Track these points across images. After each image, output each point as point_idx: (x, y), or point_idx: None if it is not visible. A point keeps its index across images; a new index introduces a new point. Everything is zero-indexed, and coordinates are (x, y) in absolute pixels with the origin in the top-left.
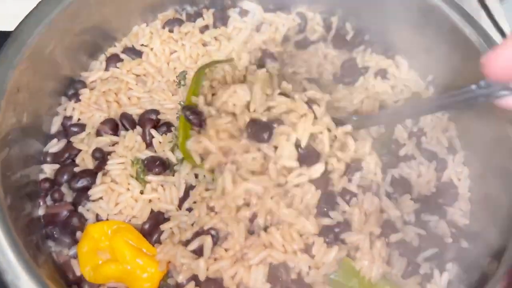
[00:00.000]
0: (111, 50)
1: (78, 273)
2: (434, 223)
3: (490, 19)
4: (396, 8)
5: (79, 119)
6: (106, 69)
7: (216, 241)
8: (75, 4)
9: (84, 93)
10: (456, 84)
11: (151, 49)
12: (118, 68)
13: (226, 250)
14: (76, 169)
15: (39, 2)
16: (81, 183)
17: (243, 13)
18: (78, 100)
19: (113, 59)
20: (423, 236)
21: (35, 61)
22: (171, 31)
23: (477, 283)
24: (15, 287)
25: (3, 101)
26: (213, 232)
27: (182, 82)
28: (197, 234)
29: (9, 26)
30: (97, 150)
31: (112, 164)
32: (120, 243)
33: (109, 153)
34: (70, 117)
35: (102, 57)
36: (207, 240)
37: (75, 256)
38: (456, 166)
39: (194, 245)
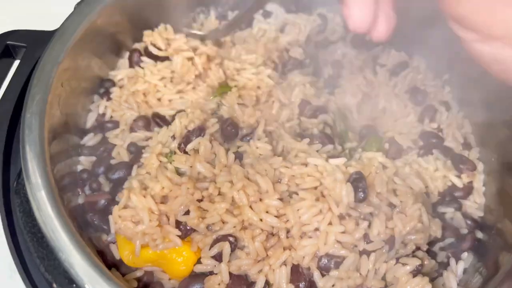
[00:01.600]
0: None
1: (117, 257)
2: (450, 214)
3: None
4: (413, 7)
5: (111, 117)
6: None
7: (234, 248)
8: (112, 5)
9: (115, 91)
10: (470, 82)
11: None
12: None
13: (246, 254)
14: (112, 162)
15: (79, 3)
16: (118, 174)
17: (266, 14)
18: (109, 98)
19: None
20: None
21: (75, 59)
22: None
23: (491, 272)
24: (68, 264)
25: (50, 95)
26: (231, 238)
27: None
28: (216, 240)
29: (50, 26)
30: (132, 144)
31: (147, 158)
32: None
33: (143, 147)
34: (103, 115)
35: (127, 55)
36: (225, 247)
37: (114, 241)
38: None
39: (213, 251)
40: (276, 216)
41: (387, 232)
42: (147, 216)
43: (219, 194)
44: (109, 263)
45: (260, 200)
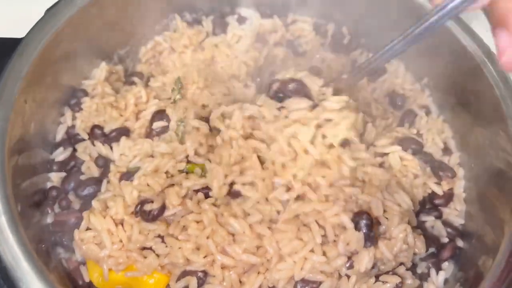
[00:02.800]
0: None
1: (87, 279)
2: (430, 223)
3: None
4: (392, 12)
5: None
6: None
7: (202, 283)
8: (79, 14)
9: (86, 101)
10: (450, 86)
11: None
12: None
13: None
14: (82, 177)
15: (46, 12)
16: (87, 190)
17: (241, 20)
18: (80, 109)
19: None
20: None
21: (41, 71)
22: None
23: (473, 281)
24: None
25: (12, 114)
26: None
27: (178, 96)
28: (184, 274)
29: (18, 32)
30: (100, 157)
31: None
32: None
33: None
34: (73, 126)
35: (103, 65)
36: (192, 282)
37: (84, 263)
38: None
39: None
40: (253, 253)
41: (372, 262)
42: (108, 238)
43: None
44: (80, 285)
45: (234, 241)
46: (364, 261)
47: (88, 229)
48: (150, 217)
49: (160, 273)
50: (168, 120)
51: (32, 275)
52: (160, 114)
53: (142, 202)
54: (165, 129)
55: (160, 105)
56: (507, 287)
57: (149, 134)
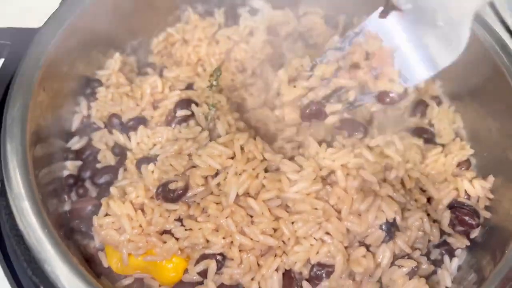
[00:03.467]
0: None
1: (105, 265)
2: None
3: (495, 13)
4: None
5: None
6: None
7: (221, 266)
8: (94, 5)
9: (101, 91)
10: (461, 76)
11: None
12: None
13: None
14: (98, 165)
15: (61, 3)
16: (104, 179)
17: (253, 11)
18: (95, 99)
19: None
20: None
21: (58, 61)
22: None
23: (486, 269)
24: (54, 276)
25: (31, 101)
26: (219, 257)
27: (215, 83)
28: (203, 257)
29: (35, 23)
30: (116, 146)
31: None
32: None
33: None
34: (89, 116)
35: (117, 55)
36: (211, 265)
37: (102, 249)
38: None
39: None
40: (270, 235)
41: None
42: (128, 223)
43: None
44: (98, 271)
45: (252, 223)
46: (385, 255)
47: (107, 215)
48: (175, 196)
49: (178, 258)
50: (191, 110)
51: (56, 256)
52: (184, 102)
53: (166, 183)
54: (187, 118)
55: (182, 96)
56: None
57: (170, 122)
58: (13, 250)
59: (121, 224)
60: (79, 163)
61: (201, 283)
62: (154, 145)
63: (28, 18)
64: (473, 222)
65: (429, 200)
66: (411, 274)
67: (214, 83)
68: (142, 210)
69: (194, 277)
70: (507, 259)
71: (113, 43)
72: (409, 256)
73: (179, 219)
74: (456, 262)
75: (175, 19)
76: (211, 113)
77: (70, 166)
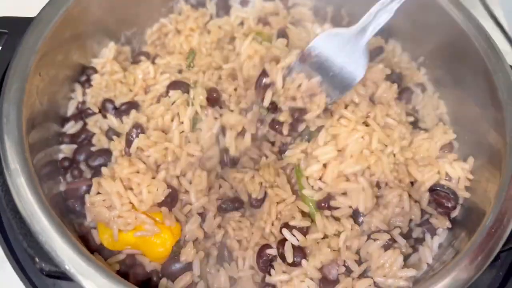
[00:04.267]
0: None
1: (98, 242)
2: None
3: (484, 6)
4: None
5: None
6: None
7: None
8: None
9: (96, 78)
10: (445, 63)
11: None
12: None
13: None
14: (93, 149)
15: None
16: (98, 161)
17: (244, 2)
18: (90, 85)
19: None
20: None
21: (54, 48)
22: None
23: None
24: (49, 247)
25: (27, 84)
26: None
27: (192, 65)
28: None
29: (29, 13)
30: (110, 130)
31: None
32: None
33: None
34: (84, 102)
35: (111, 44)
36: None
37: (95, 227)
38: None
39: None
40: None
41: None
42: (118, 199)
43: None
44: (91, 248)
45: None
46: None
47: (98, 193)
48: None
49: (167, 232)
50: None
51: (50, 228)
52: (176, 83)
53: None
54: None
55: (172, 78)
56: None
57: None
58: (9, 223)
59: (111, 201)
60: (74, 146)
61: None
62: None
63: (25, 8)
64: (449, 205)
65: (412, 183)
66: (386, 247)
67: (192, 64)
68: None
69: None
70: (479, 232)
71: (108, 33)
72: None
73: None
74: (437, 240)
75: (169, 10)
76: (192, 91)
77: (66, 150)
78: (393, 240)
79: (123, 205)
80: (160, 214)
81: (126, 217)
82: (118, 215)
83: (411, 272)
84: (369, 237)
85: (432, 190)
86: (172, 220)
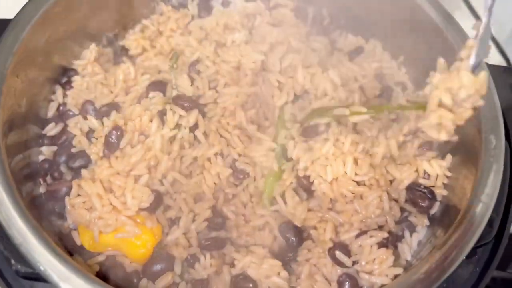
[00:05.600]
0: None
1: (78, 243)
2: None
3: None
4: None
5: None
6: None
7: None
8: None
9: (76, 80)
10: (425, 63)
11: None
12: None
13: None
14: (73, 150)
15: None
16: (79, 162)
17: (225, 3)
18: (71, 87)
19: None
20: None
21: (32, 49)
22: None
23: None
24: (25, 250)
25: (4, 86)
26: None
27: (175, 66)
28: None
29: (8, 14)
30: (91, 131)
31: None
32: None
33: None
34: (64, 104)
35: (93, 46)
36: None
37: (76, 228)
38: None
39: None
40: None
41: None
42: (98, 201)
43: None
44: (72, 249)
45: None
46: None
47: (78, 195)
48: None
49: (148, 234)
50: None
51: (26, 231)
52: (156, 84)
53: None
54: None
55: (152, 79)
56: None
57: None
58: None
59: (91, 203)
60: (54, 148)
61: None
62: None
63: (3, 9)
64: (424, 205)
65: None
66: (380, 245)
67: (174, 65)
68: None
69: None
70: (453, 227)
71: (89, 34)
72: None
73: None
74: (416, 237)
75: (150, 11)
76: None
77: (46, 151)
78: (387, 240)
79: (103, 207)
80: (141, 216)
81: (106, 219)
82: (99, 217)
83: (397, 271)
84: (365, 233)
85: (409, 188)
86: (154, 222)
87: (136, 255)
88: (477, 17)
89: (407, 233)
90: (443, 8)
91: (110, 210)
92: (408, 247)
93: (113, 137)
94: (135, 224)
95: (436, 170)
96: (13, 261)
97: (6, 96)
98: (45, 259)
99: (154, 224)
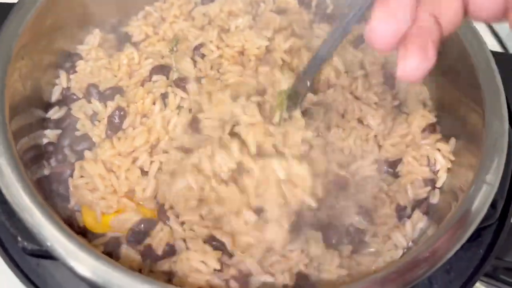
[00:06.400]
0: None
1: (81, 224)
2: None
3: None
4: None
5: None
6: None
7: None
8: None
9: (80, 64)
10: None
11: None
12: None
13: None
14: (77, 133)
15: None
16: (82, 146)
17: None
18: (74, 71)
19: None
20: None
21: (37, 33)
22: None
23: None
24: (31, 224)
25: (10, 66)
26: None
27: (175, 48)
28: None
29: None
30: (94, 114)
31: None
32: None
33: None
34: (68, 88)
35: (97, 31)
36: None
37: (79, 210)
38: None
39: None
40: None
41: None
42: (100, 181)
43: None
44: (75, 231)
45: None
46: None
47: (81, 177)
48: None
49: (149, 215)
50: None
51: (32, 207)
52: (158, 68)
53: None
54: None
55: (155, 63)
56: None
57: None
58: None
59: (94, 184)
60: (58, 131)
61: None
62: None
63: None
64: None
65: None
66: None
67: (175, 48)
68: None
69: None
70: (458, 207)
71: (93, 20)
72: None
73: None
74: (418, 225)
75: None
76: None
77: (50, 135)
78: None
79: (106, 187)
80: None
81: (108, 199)
82: (101, 197)
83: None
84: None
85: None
86: (154, 203)
87: None
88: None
89: (407, 223)
90: None
91: (112, 191)
92: (408, 237)
93: (116, 117)
94: (136, 206)
95: (439, 154)
96: (19, 238)
97: (11, 77)
98: (51, 234)
99: (154, 205)
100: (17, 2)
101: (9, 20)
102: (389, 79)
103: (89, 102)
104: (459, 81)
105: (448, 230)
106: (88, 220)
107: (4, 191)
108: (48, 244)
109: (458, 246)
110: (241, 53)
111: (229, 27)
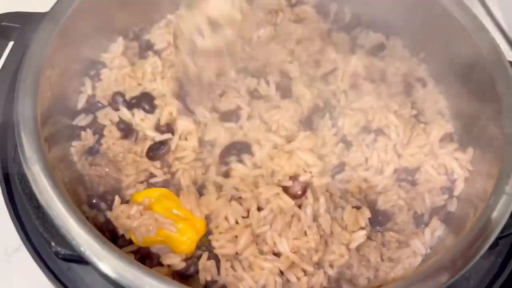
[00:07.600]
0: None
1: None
2: None
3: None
4: None
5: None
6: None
7: None
8: None
9: (105, 72)
10: (445, 59)
11: None
12: None
13: None
14: None
15: None
16: None
17: (249, 1)
18: (99, 80)
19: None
20: None
21: (65, 41)
22: None
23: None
24: (65, 230)
25: (41, 77)
26: None
27: None
28: None
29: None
30: (121, 122)
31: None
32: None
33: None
34: (93, 96)
35: (120, 39)
36: None
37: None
38: None
39: None
40: None
41: None
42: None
43: None
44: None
45: None
46: None
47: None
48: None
49: (191, 232)
50: None
51: (66, 213)
52: None
53: None
54: None
55: None
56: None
57: None
58: (24, 210)
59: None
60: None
61: None
62: None
63: (37, 3)
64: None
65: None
66: None
67: None
68: None
69: None
70: (477, 218)
71: (116, 28)
72: None
73: None
74: (436, 233)
75: (175, 7)
76: None
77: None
78: None
79: (142, 214)
80: (186, 209)
81: (147, 225)
82: (140, 224)
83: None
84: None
85: None
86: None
87: (180, 250)
88: (491, 14)
89: (427, 231)
90: (464, 4)
91: (149, 216)
92: (426, 244)
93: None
94: (173, 223)
95: (457, 163)
96: (53, 243)
97: (43, 86)
98: (84, 239)
99: (202, 214)
100: (48, 12)
101: (40, 30)
102: (406, 88)
103: (116, 109)
104: (477, 91)
105: (468, 239)
106: (132, 237)
107: (39, 198)
108: (81, 249)
109: (478, 256)
110: None
111: (251, 37)
